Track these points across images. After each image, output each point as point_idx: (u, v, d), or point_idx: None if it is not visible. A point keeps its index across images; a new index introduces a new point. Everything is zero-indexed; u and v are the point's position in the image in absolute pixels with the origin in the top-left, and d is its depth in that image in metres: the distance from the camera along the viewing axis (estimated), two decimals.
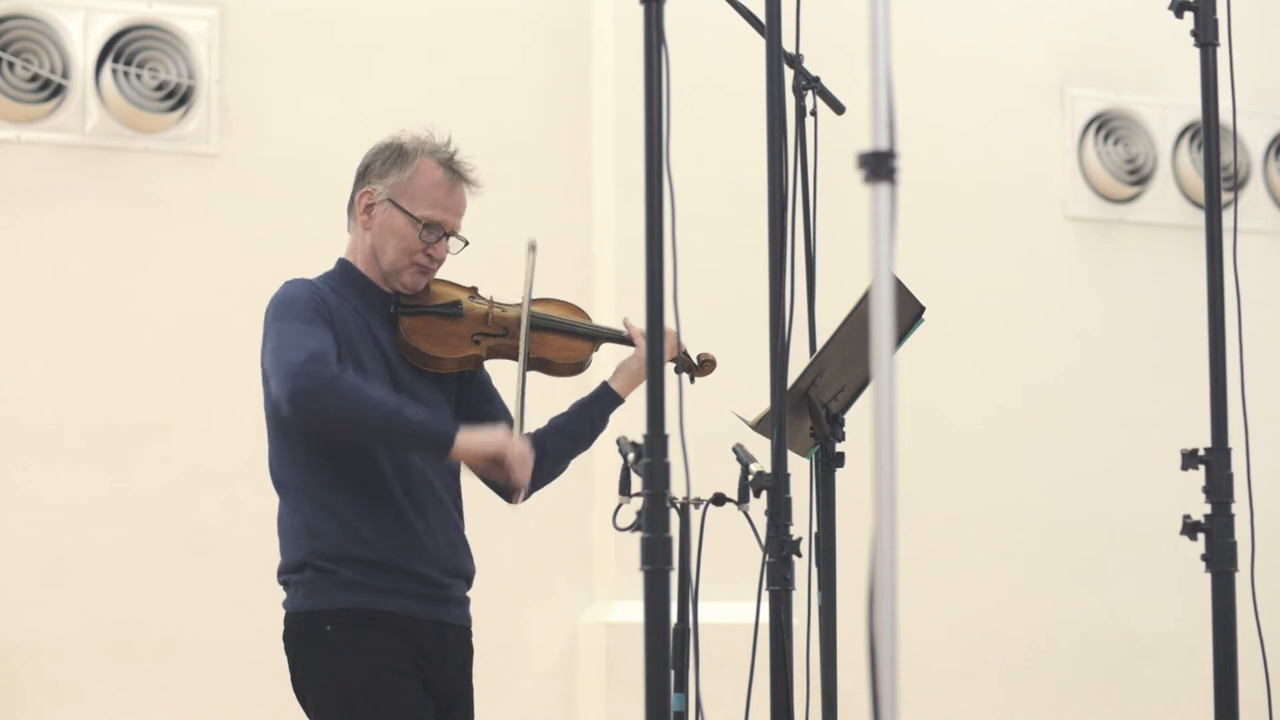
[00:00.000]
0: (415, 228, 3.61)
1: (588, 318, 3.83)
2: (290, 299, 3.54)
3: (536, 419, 3.73)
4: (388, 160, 3.66)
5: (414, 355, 3.61)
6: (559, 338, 3.73)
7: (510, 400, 3.66)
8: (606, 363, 3.90)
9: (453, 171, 3.67)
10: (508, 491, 3.70)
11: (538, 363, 3.70)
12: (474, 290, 3.74)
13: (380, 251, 3.63)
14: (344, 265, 3.69)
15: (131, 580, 5.89)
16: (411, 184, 3.63)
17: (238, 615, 5.90)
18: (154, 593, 5.90)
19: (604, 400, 3.77)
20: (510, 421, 3.62)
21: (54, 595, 5.84)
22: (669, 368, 3.72)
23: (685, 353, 3.82)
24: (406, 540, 3.52)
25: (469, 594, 3.66)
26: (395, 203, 3.62)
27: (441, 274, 3.72)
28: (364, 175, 3.69)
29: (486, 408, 3.75)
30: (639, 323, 3.73)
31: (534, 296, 3.69)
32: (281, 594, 3.60)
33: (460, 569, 3.62)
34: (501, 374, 3.78)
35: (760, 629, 3.52)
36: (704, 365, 3.85)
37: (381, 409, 3.42)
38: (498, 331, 3.67)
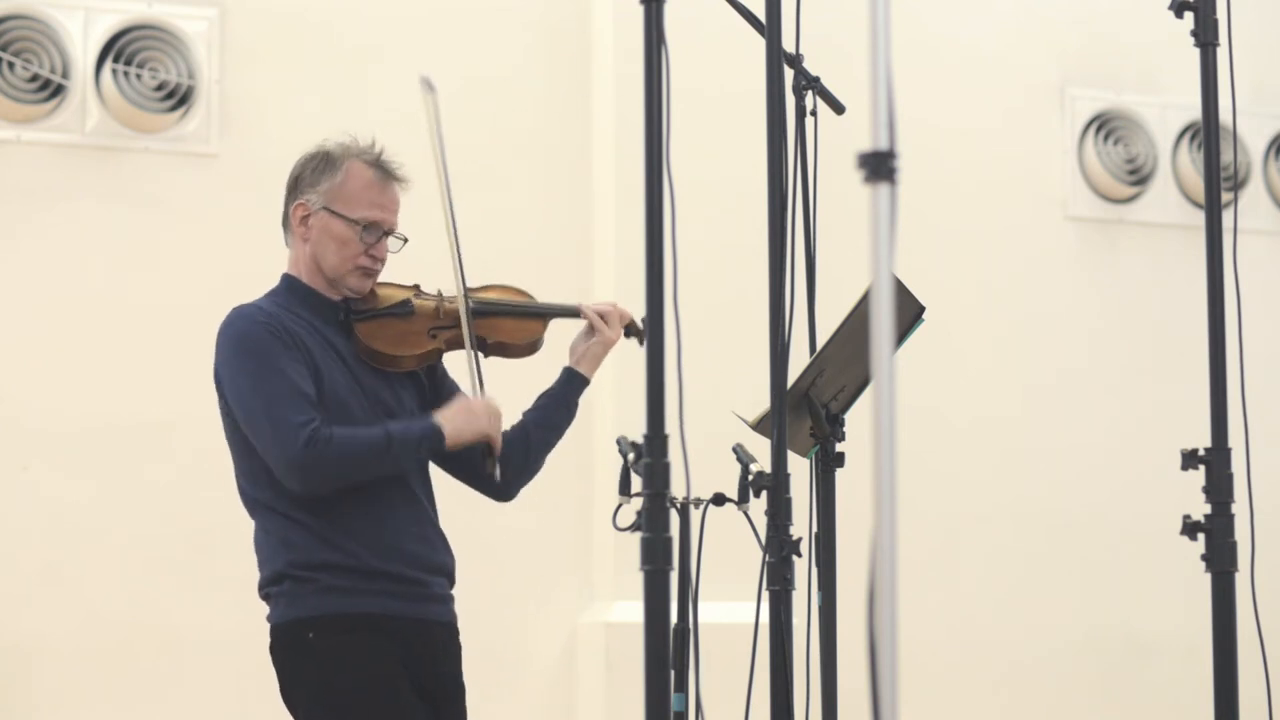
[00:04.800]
0: (354, 230, 3.60)
1: (531, 297, 3.82)
2: (252, 338, 3.51)
3: (507, 403, 3.70)
4: (316, 169, 3.66)
5: (374, 358, 3.61)
6: (510, 320, 3.74)
7: (466, 385, 3.68)
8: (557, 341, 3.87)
9: (382, 170, 3.66)
10: (496, 490, 3.71)
11: (496, 347, 3.72)
12: (417, 288, 3.74)
13: (322, 259, 3.63)
14: (289, 280, 3.68)
15: (131, 580, 5.89)
16: (344, 188, 3.62)
17: (238, 615, 5.87)
18: (154, 593, 5.90)
19: (573, 384, 3.78)
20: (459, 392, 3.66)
21: (54, 595, 5.84)
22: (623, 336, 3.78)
23: (635, 320, 3.84)
24: (381, 541, 3.51)
25: (452, 591, 3.64)
26: (330, 209, 3.61)
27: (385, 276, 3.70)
28: (295, 188, 3.68)
29: (450, 399, 3.73)
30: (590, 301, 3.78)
31: (471, 286, 3.69)
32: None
33: (439, 565, 3.61)
34: (456, 362, 3.77)
35: (760, 629, 3.52)
36: None
37: (375, 445, 3.46)
38: (450, 324, 3.68)
